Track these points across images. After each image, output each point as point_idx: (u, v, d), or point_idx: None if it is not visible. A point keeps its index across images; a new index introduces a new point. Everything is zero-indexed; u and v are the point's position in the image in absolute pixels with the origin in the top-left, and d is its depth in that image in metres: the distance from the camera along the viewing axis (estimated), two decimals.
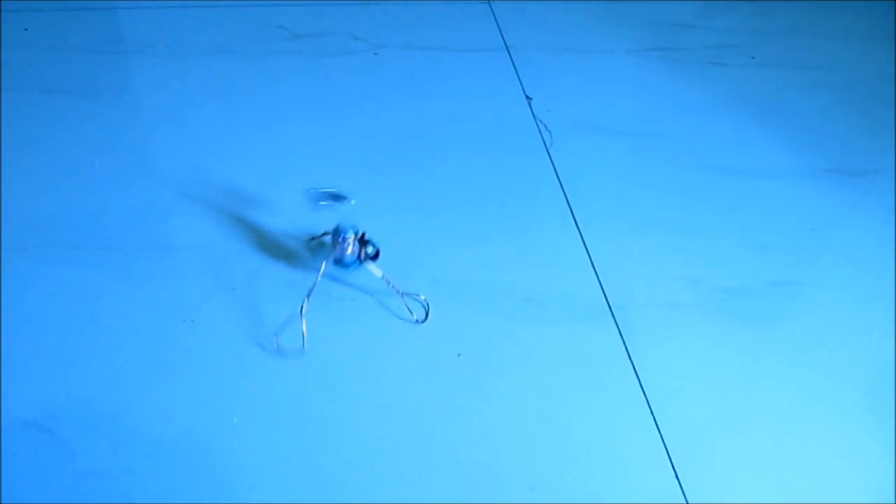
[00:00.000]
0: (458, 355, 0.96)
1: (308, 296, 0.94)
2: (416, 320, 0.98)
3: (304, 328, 0.93)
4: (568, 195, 1.17)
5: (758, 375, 0.98)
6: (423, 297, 1.00)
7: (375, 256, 0.97)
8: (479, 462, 0.87)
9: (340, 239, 0.94)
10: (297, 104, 1.28)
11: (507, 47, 1.43)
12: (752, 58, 1.51)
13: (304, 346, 0.93)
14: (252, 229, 1.06)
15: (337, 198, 0.95)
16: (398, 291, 0.98)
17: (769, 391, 0.97)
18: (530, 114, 1.30)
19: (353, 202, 0.95)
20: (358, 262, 0.98)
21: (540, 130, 1.27)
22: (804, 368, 1.00)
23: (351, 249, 0.95)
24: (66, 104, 1.22)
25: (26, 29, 1.35)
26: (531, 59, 1.41)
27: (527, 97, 1.33)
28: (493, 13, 1.51)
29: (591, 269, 1.07)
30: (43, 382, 0.88)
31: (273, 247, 1.04)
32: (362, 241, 0.96)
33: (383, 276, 0.97)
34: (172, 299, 0.97)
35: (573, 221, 1.13)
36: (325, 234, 1.00)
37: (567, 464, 0.88)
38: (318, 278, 0.93)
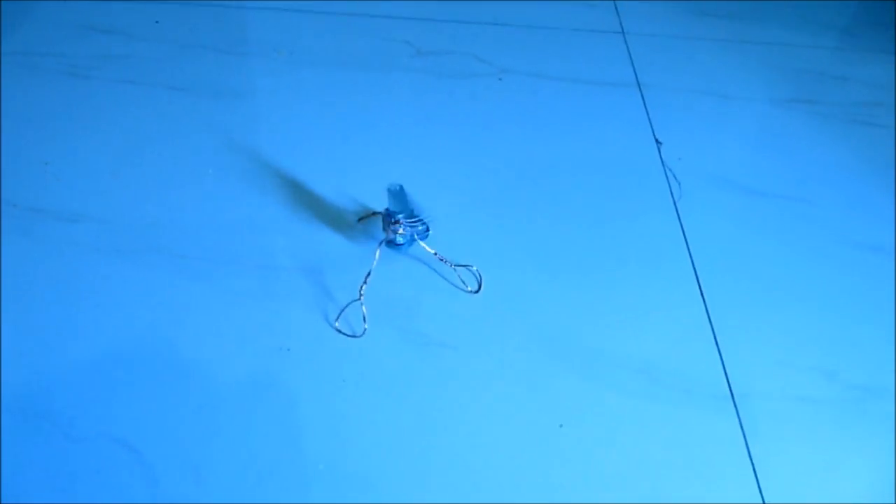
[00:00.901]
0: (560, 426, 0.88)
1: (366, 280, 0.96)
2: (471, 291, 0.99)
3: (363, 311, 0.95)
4: (694, 257, 1.07)
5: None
6: (475, 269, 1.01)
7: (425, 234, 1.00)
8: None
9: (392, 221, 0.96)
10: (413, 124, 1.24)
11: (638, 84, 1.35)
12: None
13: (364, 327, 0.94)
14: (360, 251, 1.02)
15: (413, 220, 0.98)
16: (452, 265, 1.00)
17: None
18: (659, 160, 1.21)
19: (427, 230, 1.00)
20: (411, 242, 1.00)
21: (668, 180, 1.18)
22: None
23: (402, 230, 0.97)
24: (188, 104, 1.21)
25: (157, 21, 1.36)
26: (664, 100, 1.32)
27: (656, 141, 1.24)
28: (627, 46, 1.42)
29: (714, 346, 0.97)
30: (134, 399, 0.86)
31: (385, 280, 1.00)
32: (412, 221, 0.98)
33: (436, 253, 1.00)
34: (269, 324, 0.94)
35: (698, 288, 1.04)
36: (373, 213, 1.04)
37: None
38: (375, 264, 0.96)
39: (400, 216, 0.96)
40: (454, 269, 1.00)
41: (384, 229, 0.99)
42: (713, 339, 0.98)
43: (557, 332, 0.97)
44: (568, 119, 1.28)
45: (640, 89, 1.33)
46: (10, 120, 1.16)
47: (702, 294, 1.03)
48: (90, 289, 0.96)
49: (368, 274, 0.96)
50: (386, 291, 0.98)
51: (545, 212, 1.12)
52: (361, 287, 0.96)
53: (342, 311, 0.96)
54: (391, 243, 1.01)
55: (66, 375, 0.88)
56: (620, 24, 1.47)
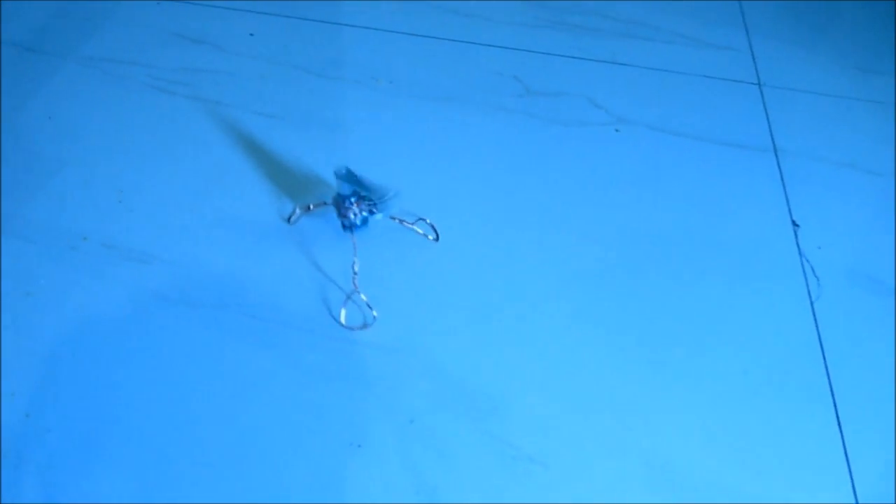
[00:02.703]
0: None
1: (355, 270, 0.93)
2: (433, 239, 1.00)
3: (365, 300, 0.93)
4: (831, 375, 0.92)
5: None
6: (428, 221, 1.01)
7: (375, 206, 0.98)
8: None
9: (346, 205, 0.94)
10: (516, 174, 1.11)
11: (775, 149, 1.18)
12: None
13: (373, 316, 0.92)
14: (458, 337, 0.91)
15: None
16: (410, 223, 1.01)
17: None
18: (795, 246, 1.05)
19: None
20: (366, 220, 0.97)
21: (805, 273, 1.02)
22: None
23: (359, 211, 0.95)
24: (276, 133, 1.12)
25: (252, 34, 1.27)
26: (804, 171, 1.16)
27: (793, 223, 1.08)
28: (764, 101, 1.25)
29: (851, 494, 0.82)
30: (191, 472, 0.77)
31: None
32: (362, 199, 0.96)
33: (393, 217, 1.00)
34: (342, 412, 0.84)
35: (835, 416, 0.89)
36: (308, 207, 1.00)
37: None
38: (355, 258, 0.93)
39: (352, 198, 0.94)
40: (412, 226, 1.01)
41: (339, 216, 0.96)
42: (850, 485, 0.83)
43: (662, 454, 0.84)
44: (690, 184, 1.13)
45: (776, 155, 1.17)
46: (86, 136, 1.09)
47: (839, 423, 0.88)
48: (152, 343, 0.88)
49: (354, 263, 0.93)
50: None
51: (655, 295, 0.98)
52: (354, 279, 0.93)
53: (343, 305, 0.92)
54: (350, 227, 0.97)
55: (108, 438, 0.80)
56: (757, 73, 1.30)
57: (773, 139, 1.19)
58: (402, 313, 0.92)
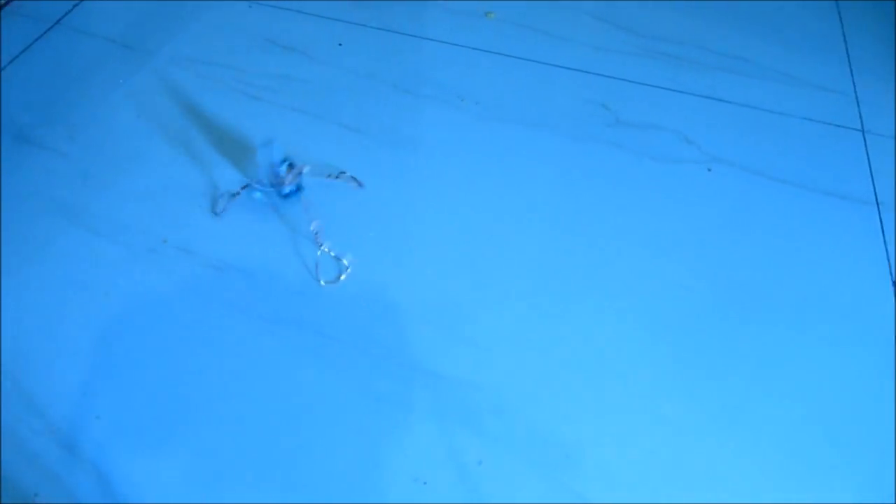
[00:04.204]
0: None
1: (316, 231, 0.97)
2: (359, 186, 1.04)
3: (332, 254, 0.96)
4: None
5: None
6: (347, 174, 1.05)
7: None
8: None
9: (283, 171, 0.97)
10: (599, 207, 1.07)
11: (877, 202, 1.11)
12: None
13: (346, 267, 0.95)
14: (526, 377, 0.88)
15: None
16: (333, 176, 1.04)
17: None
18: (895, 311, 0.99)
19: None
20: (301, 185, 1.01)
21: None
22: None
23: (293, 175, 0.98)
24: (361, 147, 1.10)
25: (341, 44, 1.26)
26: None
27: (894, 285, 1.01)
28: (867, 149, 1.18)
29: None
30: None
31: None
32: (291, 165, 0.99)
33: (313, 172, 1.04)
34: (409, 445, 0.82)
35: None
36: (235, 193, 1.01)
37: None
38: (313, 225, 0.97)
39: (283, 165, 0.96)
40: (336, 179, 1.04)
41: (277, 185, 0.99)
42: None
43: None
44: (783, 233, 1.07)
45: (878, 209, 1.10)
46: (173, 136, 1.09)
47: None
48: (225, 353, 0.88)
49: (315, 223, 0.97)
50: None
51: (738, 350, 0.93)
52: (317, 236, 0.97)
53: (316, 265, 0.95)
54: (288, 195, 1.00)
55: (175, 444, 0.80)
56: (861, 118, 1.23)
57: (875, 191, 1.12)
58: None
